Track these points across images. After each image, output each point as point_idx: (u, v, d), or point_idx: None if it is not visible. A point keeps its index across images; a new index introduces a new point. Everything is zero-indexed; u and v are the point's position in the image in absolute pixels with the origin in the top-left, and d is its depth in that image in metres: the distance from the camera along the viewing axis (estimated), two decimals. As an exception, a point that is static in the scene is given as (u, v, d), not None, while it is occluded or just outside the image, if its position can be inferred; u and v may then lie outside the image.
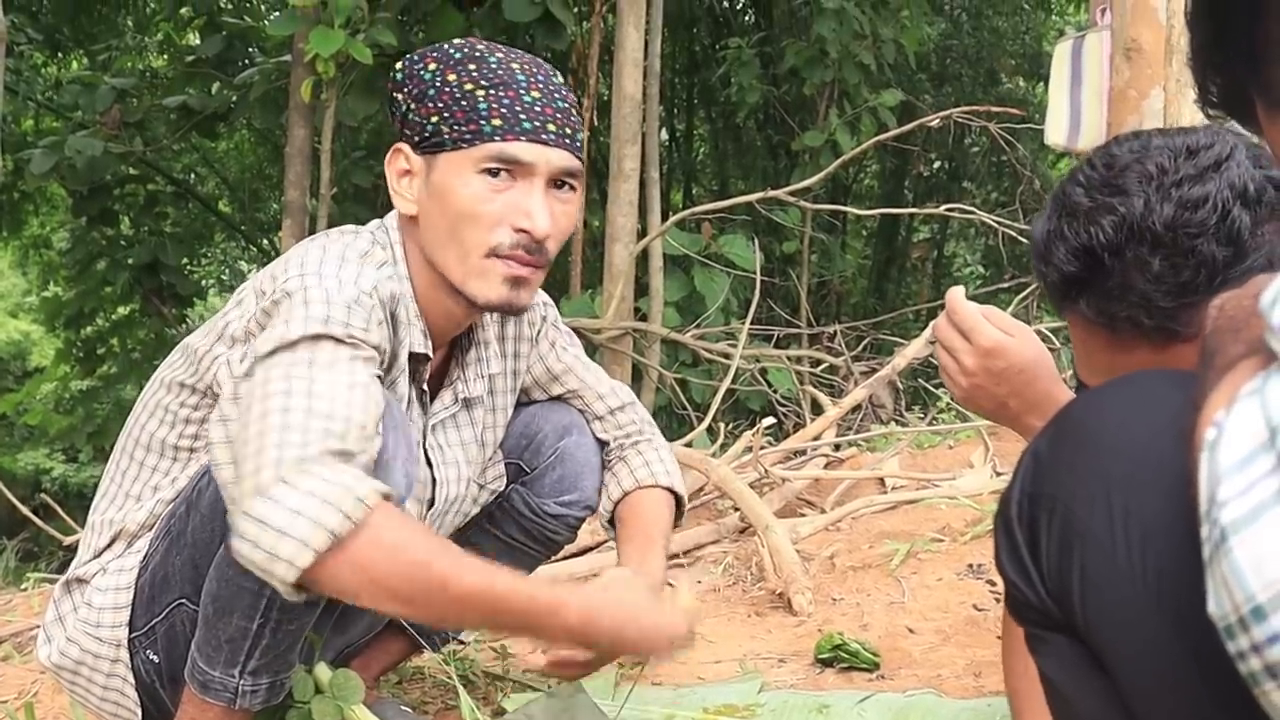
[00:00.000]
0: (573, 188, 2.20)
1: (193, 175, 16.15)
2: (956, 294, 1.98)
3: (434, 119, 2.13)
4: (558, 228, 2.16)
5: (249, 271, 18.54)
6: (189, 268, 14.48)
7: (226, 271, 19.04)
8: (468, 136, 2.11)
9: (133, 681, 2.24)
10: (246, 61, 12.04)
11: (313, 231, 9.04)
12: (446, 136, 2.12)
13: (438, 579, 1.82)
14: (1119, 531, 1.23)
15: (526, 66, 2.18)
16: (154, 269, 12.31)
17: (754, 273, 8.75)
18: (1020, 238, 9.20)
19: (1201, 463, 0.99)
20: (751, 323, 8.41)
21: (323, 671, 2.29)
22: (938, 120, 9.19)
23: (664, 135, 14.36)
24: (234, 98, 11.70)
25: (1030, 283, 9.89)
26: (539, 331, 2.58)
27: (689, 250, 9.80)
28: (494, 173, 2.11)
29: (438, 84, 2.15)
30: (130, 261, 12.33)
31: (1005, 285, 11.40)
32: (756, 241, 9.44)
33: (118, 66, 13.43)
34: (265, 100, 10.91)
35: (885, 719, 2.59)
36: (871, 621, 3.45)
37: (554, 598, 1.92)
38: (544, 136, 2.13)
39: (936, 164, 16.27)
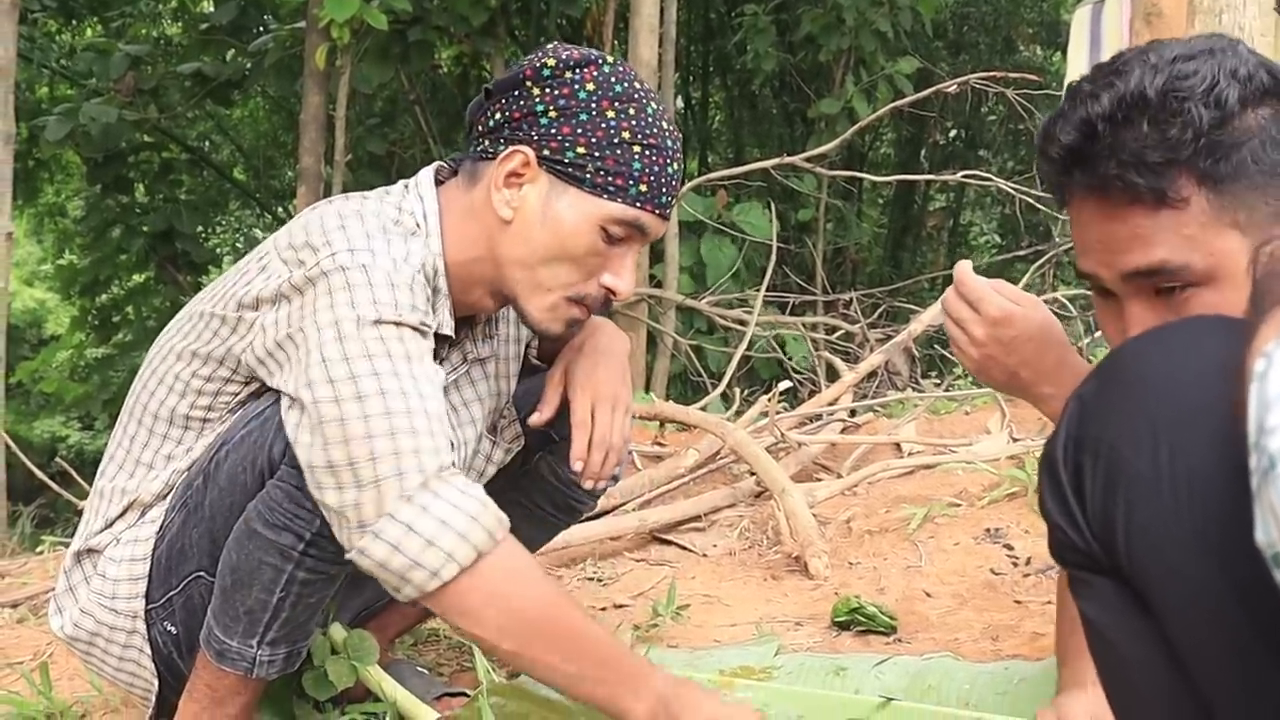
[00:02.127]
0: None
1: (207, 142, 16.14)
2: (964, 266, 1.99)
3: (580, 149, 2.08)
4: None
5: (264, 239, 18.51)
6: (204, 235, 14.50)
7: (241, 239, 19.02)
8: (611, 189, 2.08)
9: (149, 653, 2.23)
10: (261, 28, 12.04)
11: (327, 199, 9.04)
12: (588, 176, 2.08)
13: (558, 612, 1.94)
14: (1165, 471, 1.23)
15: (672, 130, 2.16)
16: (169, 236, 12.31)
17: (769, 240, 8.73)
18: (1037, 205, 9.17)
19: (1250, 393, 0.98)
20: (767, 290, 8.40)
21: (337, 632, 2.29)
22: (955, 87, 9.14)
23: (679, 103, 14.34)
24: (248, 65, 11.72)
25: (1046, 251, 9.87)
26: None
27: (704, 217, 9.78)
28: (617, 233, 2.11)
29: (593, 112, 2.09)
30: (145, 229, 12.33)
31: (1022, 253, 11.38)
32: (773, 208, 9.41)
33: (132, 33, 13.43)
34: (280, 67, 10.91)
35: (902, 682, 2.58)
36: (888, 585, 3.45)
37: (641, 667, 2.00)
38: (667, 211, 2.15)
39: (953, 132, 16.21)
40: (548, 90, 2.11)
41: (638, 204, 2.09)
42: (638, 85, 2.15)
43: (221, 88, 11.92)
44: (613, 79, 2.12)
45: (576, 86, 2.10)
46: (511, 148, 2.11)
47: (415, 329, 1.98)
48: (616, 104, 2.10)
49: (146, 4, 14.14)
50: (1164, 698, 1.34)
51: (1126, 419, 1.29)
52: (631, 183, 2.08)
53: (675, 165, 2.14)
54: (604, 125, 2.08)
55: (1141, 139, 1.60)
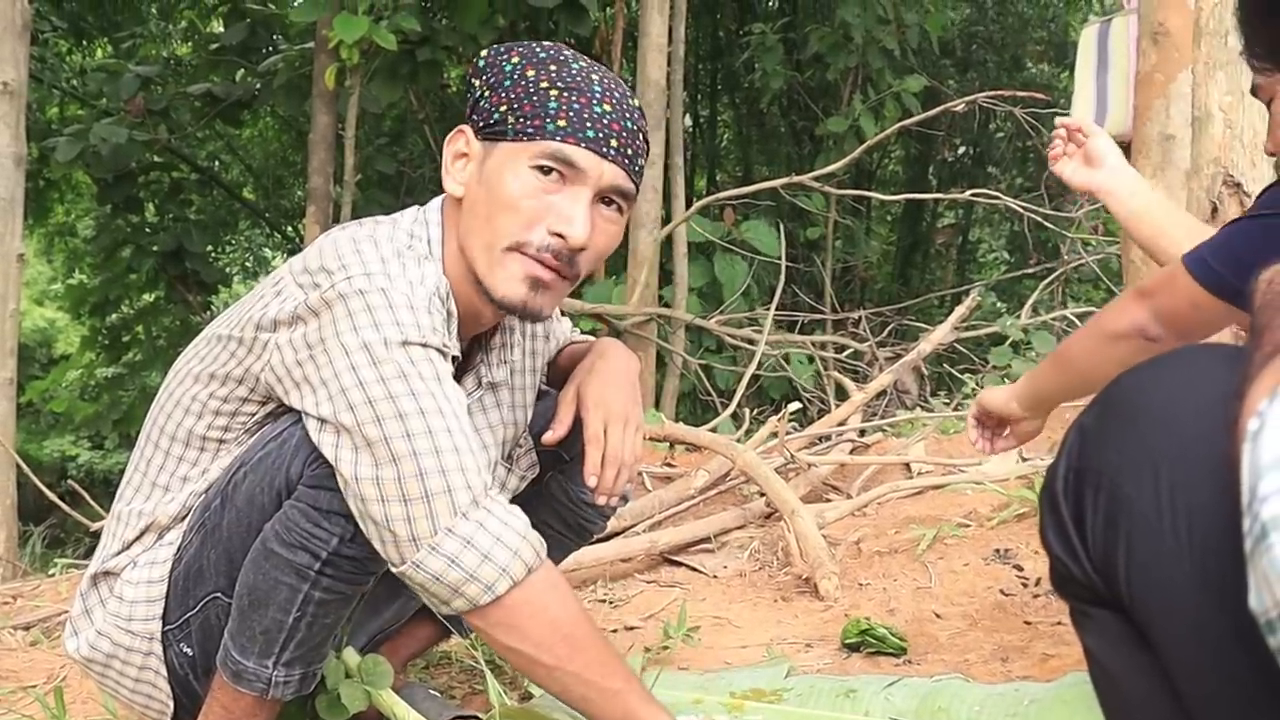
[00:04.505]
0: (620, 209, 2.19)
1: (217, 162, 16.19)
2: None
3: (502, 108, 2.11)
4: (595, 243, 2.14)
5: (273, 258, 18.59)
6: (213, 255, 14.55)
7: (251, 258, 19.06)
8: (529, 130, 2.08)
9: (165, 674, 2.23)
10: (270, 48, 12.08)
11: (337, 218, 9.08)
12: (510, 126, 2.10)
13: (592, 628, 2.04)
14: (1166, 507, 1.23)
15: (606, 80, 2.17)
16: (179, 256, 12.35)
17: (778, 258, 8.74)
18: (1046, 223, 9.18)
19: (1244, 453, 0.98)
20: (776, 308, 8.41)
21: (351, 656, 2.29)
22: (963, 105, 9.17)
23: (688, 121, 14.35)
24: (258, 85, 11.76)
25: (1056, 268, 9.87)
26: (554, 341, 2.63)
27: (712, 237, 9.79)
28: (546, 170, 2.08)
29: (515, 76, 2.13)
30: (155, 248, 12.39)
31: (1031, 270, 11.38)
32: (781, 227, 9.43)
33: (142, 54, 13.50)
34: (289, 87, 10.94)
35: (912, 704, 2.58)
36: (898, 606, 3.45)
37: (660, 710, 2.06)
38: (604, 149, 2.11)
39: (961, 149, 16.23)
40: (483, 76, 2.18)
41: (557, 138, 2.08)
42: (567, 53, 2.18)
43: (231, 108, 11.97)
44: (538, 50, 2.17)
45: (503, 61, 2.17)
46: (454, 131, 2.20)
47: (439, 350, 2.01)
48: (538, 65, 2.14)
49: (156, 25, 14.21)
50: None
51: (1128, 453, 1.29)
52: (548, 120, 2.08)
53: (607, 106, 2.13)
54: (524, 83, 2.12)
55: None
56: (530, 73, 2.12)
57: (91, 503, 5.86)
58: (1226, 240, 2.09)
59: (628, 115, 2.15)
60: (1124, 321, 2.27)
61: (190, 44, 14.26)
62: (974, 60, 15.58)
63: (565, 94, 2.10)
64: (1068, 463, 1.38)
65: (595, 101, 2.11)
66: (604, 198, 2.14)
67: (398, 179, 12.59)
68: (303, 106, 11.13)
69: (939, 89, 12.95)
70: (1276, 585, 0.92)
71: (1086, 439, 1.37)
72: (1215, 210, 3.65)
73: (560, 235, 2.09)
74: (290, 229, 15.82)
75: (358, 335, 1.95)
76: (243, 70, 12.06)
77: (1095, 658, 1.42)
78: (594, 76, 2.15)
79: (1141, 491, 1.25)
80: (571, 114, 2.09)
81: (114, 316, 13.53)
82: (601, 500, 2.35)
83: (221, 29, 12.51)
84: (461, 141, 2.19)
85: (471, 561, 1.92)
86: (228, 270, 16.92)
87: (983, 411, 2.77)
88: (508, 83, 2.13)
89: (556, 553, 2.66)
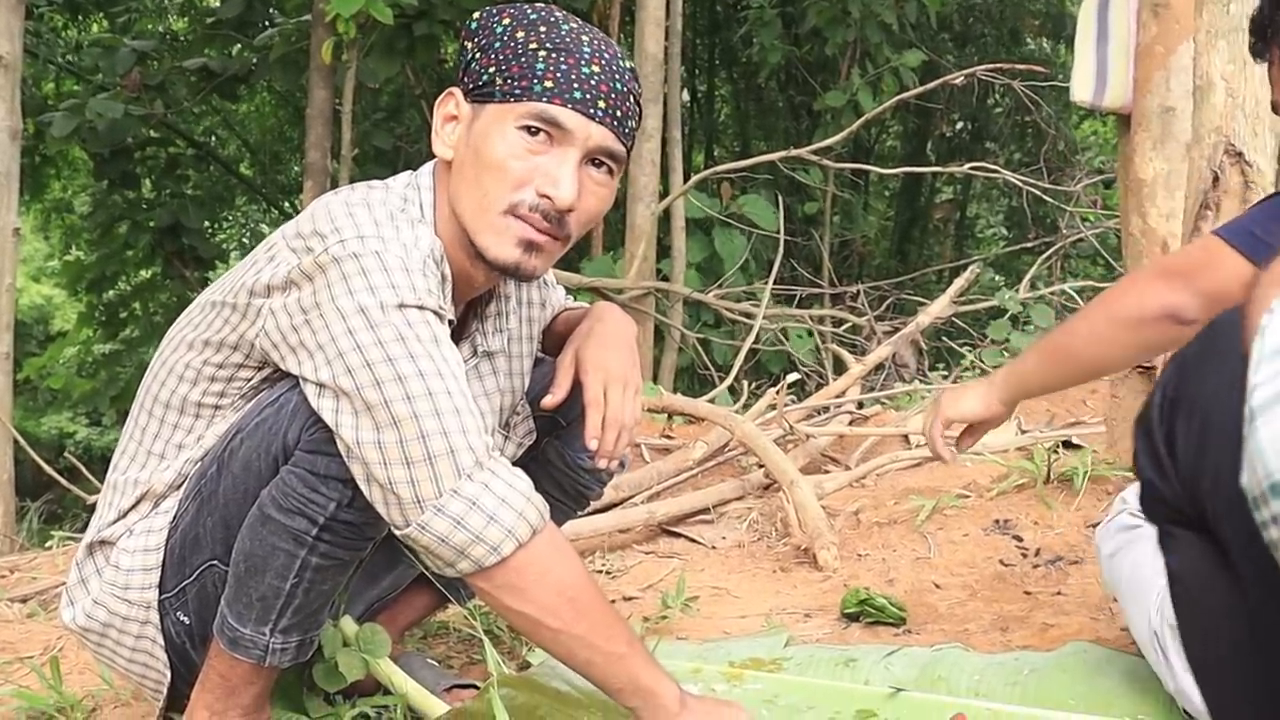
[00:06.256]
0: (611, 171, 2.17)
1: (213, 137, 16.16)
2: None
3: (491, 69, 2.10)
4: (584, 204, 2.13)
5: (270, 234, 18.56)
6: (210, 230, 14.54)
7: (248, 234, 19.04)
8: (517, 91, 2.07)
9: (162, 643, 2.23)
10: (267, 23, 12.03)
11: (334, 193, 9.06)
12: (497, 88, 2.09)
13: (597, 592, 2.02)
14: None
15: (596, 42, 2.15)
16: (175, 232, 12.34)
17: (776, 233, 8.73)
18: (1044, 198, 9.15)
19: (1254, 348, 1.05)
20: (774, 283, 8.40)
21: (348, 625, 2.29)
22: (961, 79, 9.13)
23: (685, 96, 14.33)
24: (254, 59, 11.71)
25: (1054, 243, 9.86)
26: (550, 309, 2.61)
27: (710, 211, 9.78)
28: (533, 131, 2.07)
29: (505, 38, 2.12)
30: (152, 224, 12.36)
31: (1029, 245, 11.38)
32: (780, 201, 9.41)
33: (138, 29, 13.44)
34: (286, 62, 10.89)
35: (912, 673, 2.58)
36: (897, 577, 3.45)
37: (664, 674, 2.06)
38: (591, 110, 2.10)
39: (959, 124, 16.21)
40: (475, 38, 2.17)
41: (544, 99, 2.07)
42: (558, 14, 2.17)
43: (227, 82, 11.93)
44: (529, 11, 2.16)
45: (494, 23, 2.15)
46: (444, 94, 2.20)
47: (435, 313, 1.99)
48: (527, 27, 2.13)
49: (152, -1, 14.17)
50: (1244, 648, 1.39)
51: (1221, 378, 1.36)
52: (535, 81, 2.08)
53: (596, 67, 2.11)
54: (513, 44, 2.11)
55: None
56: (520, 34, 2.11)
57: (90, 478, 5.86)
58: (1274, 212, 2.08)
59: (617, 77, 2.13)
60: (1151, 304, 2.21)
61: (186, 18, 14.24)
62: (972, 35, 15.56)
63: (553, 55, 2.08)
64: (1163, 393, 1.47)
65: (584, 62, 2.10)
66: (593, 159, 2.13)
67: (395, 154, 12.57)
68: (299, 81, 11.10)
69: (937, 63, 12.92)
70: (1259, 465, 1.01)
71: (1184, 370, 1.46)
72: (1217, 180, 3.63)
73: (547, 196, 2.08)
74: (287, 204, 15.80)
75: (353, 299, 1.94)
76: (239, 45, 12.01)
77: (1177, 576, 1.51)
78: (584, 38, 2.13)
79: (1229, 412, 1.31)
80: (559, 75, 2.08)
81: (111, 293, 13.50)
82: (602, 463, 2.34)
83: (217, 3, 12.49)
84: (451, 104, 2.18)
85: (477, 523, 1.91)
86: (225, 246, 16.92)
87: (950, 424, 2.65)
88: (497, 44, 2.12)
89: (554, 520, 2.66)
